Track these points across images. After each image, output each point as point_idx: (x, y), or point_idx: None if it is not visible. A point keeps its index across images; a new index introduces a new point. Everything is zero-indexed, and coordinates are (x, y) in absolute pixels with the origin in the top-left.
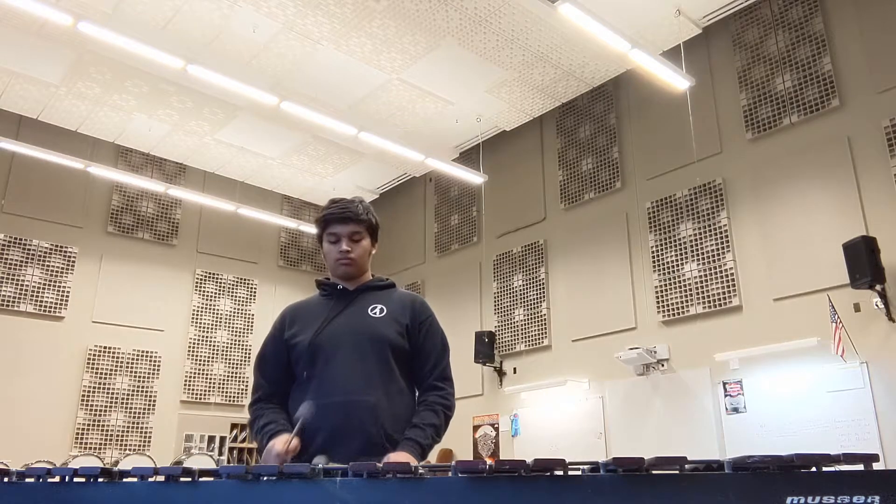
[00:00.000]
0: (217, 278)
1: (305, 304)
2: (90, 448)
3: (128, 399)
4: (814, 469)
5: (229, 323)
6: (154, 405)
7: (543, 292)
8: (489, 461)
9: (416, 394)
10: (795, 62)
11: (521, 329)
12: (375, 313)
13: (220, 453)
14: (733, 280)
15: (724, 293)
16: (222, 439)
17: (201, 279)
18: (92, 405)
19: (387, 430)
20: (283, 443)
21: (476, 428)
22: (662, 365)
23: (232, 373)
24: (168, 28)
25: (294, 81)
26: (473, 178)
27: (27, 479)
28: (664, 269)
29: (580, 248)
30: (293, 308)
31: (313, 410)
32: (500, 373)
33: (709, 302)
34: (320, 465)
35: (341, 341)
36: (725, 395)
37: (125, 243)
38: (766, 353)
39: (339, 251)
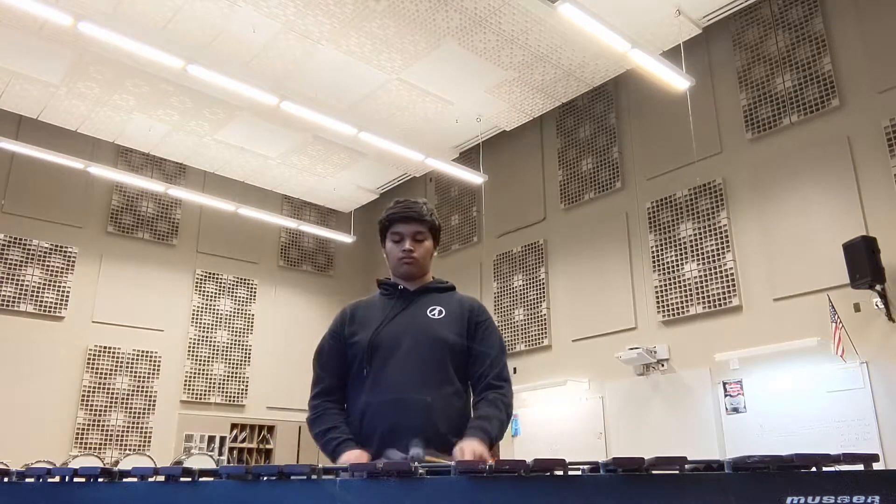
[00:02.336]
0: (217, 278)
1: (366, 303)
2: (90, 448)
3: (128, 399)
4: (814, 469)
5: (229, 323)
6: (154, 405)
7: (543, 292)
8: (489, 461)
9: (472, 396)
10: (795, 62)
11: (521, 329)
12: (434, 314)
13: (220, 453)
14: (733, 280)
15: (724, 293)
16: (222, 439)
17: (201, 279)
18: (92, 405)
19: (440, 429)
20: (356, 460)
21: None
22: (662, 365)
23: (232, 373)
24: (168, 28)
25: (294, 81)
26: (473, 178)
27: (27, 479)
28: (664, 269)
29: (580, 248)
30: (354, 306)
31: (421, 455)
32: None
33: (709, 302)
34: (419, 453)
35: (399, 341)
36: (725, 395)
37: (125, 243)
38: (766, 353)
39: (403, 250)
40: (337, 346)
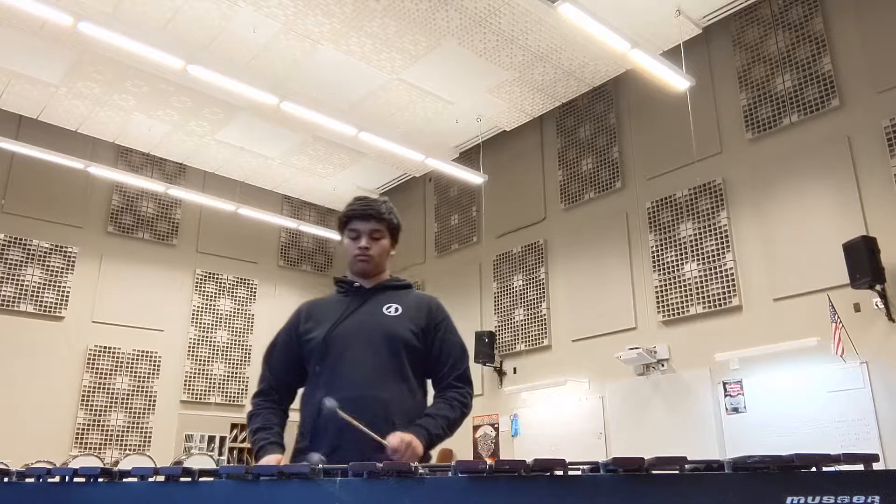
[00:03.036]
0: (217, 278)
1: (323, 301)
2: (90, 448)
3: (128, 399)
4: (814, 469)
5: (229, 323)
6: (154, 405)
7: (543, 292)
8: (489, 461)
9: (430, 395)
10: (795, 62)
11: (521, 329)
12: (390, 311)
13: (220, 453)
14: (733, 280)
15: (724, 293)
16: (222, 439)
17: (201, 279)
18: (92, 405)
19: (398, 427)
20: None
21: (476, 428)
22: (662, 365)
23: (232, 373)
24: (168, 28)
25: (294, 81)
26: (473, 178)
27: (27, 479)
28: (664, 269)
29: (580, 248)
30: (310, 304)
31: (334, 407)
32: (500, 373)
33: (709, 302)
34: (319, 466)
35: (355, 338)
36: (725, 395)
37: (125, 243)
38: (766, 353)
39: (359, 247)
40: (289, 344)
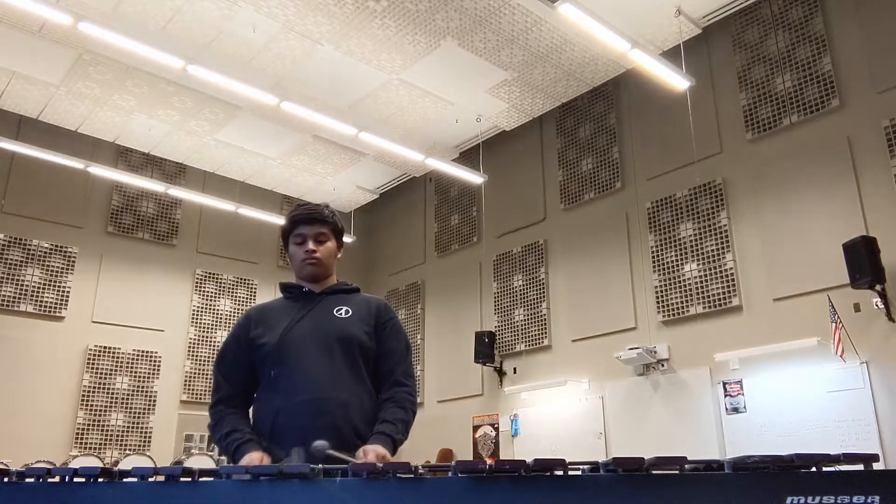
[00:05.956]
0: (217, 278)
1: (270, 306)
2: (90, 448)
3: (128, 399)
4: (814, 469)
5: (229, 323)
6: (154, 405)
7: (543, 292)
8: (489, 461)
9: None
10: (795, 62)
11: (521, 329)
12: (341, 314)
13: (220, 453)
14: (733, 280)
15: (724, 293)
16: None
17: (201, 279)
18: (92, 405)
19: (357, 427)
20: (258, 461)
21: (476, 428)
22: (662, 365)
23: None
24: (168, 28)
25: (294, 81)
26: (473, 178)
27: (27, 479)
28: (664, 269)
29: (580, 248)
30: (258, 309)
31: (325, 446)
32: (500, 373)
33: (709, 302)
34: (323, 446)
35: (310, 341)
36: (725, 395)
37: (125, 243)
38: (766, 353)
39: (306, 251)
40: (239, 351)
